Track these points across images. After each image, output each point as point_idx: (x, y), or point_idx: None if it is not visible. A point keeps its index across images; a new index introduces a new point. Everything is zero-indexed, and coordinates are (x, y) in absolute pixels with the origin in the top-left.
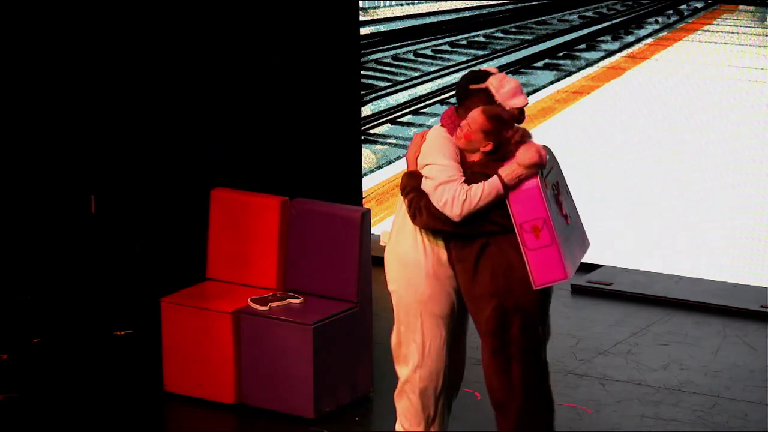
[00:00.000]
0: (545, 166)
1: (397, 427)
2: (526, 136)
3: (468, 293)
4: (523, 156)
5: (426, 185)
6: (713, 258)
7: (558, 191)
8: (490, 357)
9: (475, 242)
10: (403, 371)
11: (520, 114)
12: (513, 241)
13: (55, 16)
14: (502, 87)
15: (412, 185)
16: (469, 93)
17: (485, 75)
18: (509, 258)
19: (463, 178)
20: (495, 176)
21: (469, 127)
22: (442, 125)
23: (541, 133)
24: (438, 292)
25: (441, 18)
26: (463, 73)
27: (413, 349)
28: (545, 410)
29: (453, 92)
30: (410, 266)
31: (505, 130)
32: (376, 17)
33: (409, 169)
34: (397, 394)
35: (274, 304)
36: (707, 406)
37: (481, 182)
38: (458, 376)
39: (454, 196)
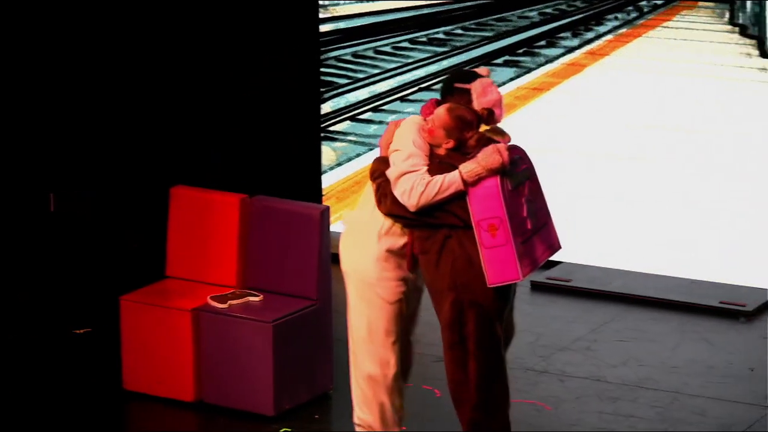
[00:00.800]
0: (508, 168)
1: (354, 417)
2: (482, 141)
3: (430, 286)
4: (485, 159)
5: (389, 172)
6: (672, 254)
7: (525, 192)
8: (447, 350)
9: (438, 234)
10: (352, 357)
11: (488, 116)
12: (474, 237)
13: (17, 14)
14: (484, 95)
15: (380, 170)
16: (452, 90)
17: (473, 76)
18: (469, 253)
19: (426, 168)
20: (456, 171)
21: (433, 123)
22: (421, 114)
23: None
24: (386, 278)
25: (401, 15)
26: (426, 70)
27: (360, 333)
28: (500, 407)
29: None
30: (363, 248)
31: (466, 131)
32: (335, 14)
33: (381, 155)
34: (351, 383)
35: (233, 302)
36: (666, 402)
37: (442, 175)
38: (407, 367)
39: (412, 187)
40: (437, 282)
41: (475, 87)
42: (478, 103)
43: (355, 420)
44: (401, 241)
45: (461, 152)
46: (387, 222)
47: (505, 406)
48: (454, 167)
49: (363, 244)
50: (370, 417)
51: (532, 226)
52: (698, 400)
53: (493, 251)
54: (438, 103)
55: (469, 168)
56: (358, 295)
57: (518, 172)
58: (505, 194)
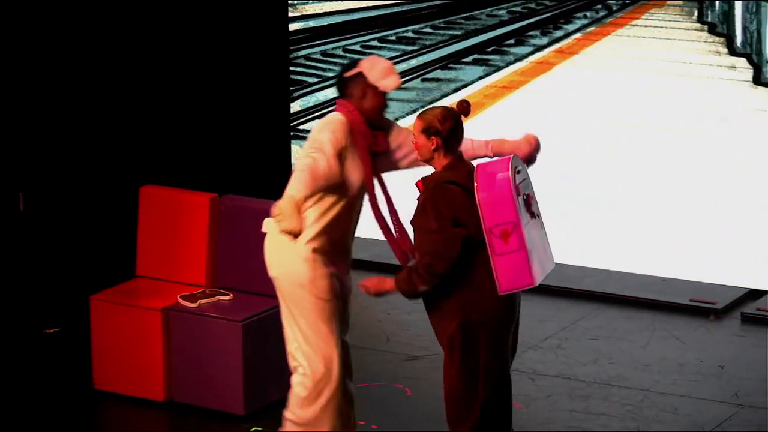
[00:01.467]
0: (518, 173)
1: (287, 413)
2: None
3: (433, 305)
4: None
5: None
6: (643, 252)
7: (529, 202)
8: (454, 369)
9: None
10: (295, 360)
11: (465, 107)
12: (483, 258)
13: None
14: (373, 67)
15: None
16: (346, 82)
17: (356, 61)
18: (477, 274)
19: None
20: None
21: (414, 137)
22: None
23: (471, 129)
24: (318, 276)
25: (370, 14)
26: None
27: (300, 336)
28: (503, 427)
29: None
30: (289, 252)
31: (441, 123)
32: (305, 13)
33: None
34: (293, 383)
35: (203, 301)
36: (637, 399)
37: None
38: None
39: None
40: (443, 302)
41: (364, 65)
42: (372, 77)
43: (290, 417)
44: (325, 238)
45: (453, 153)
46: (309, 221)
47: (508, 425)
48: (456, 183)
49: (289, 247)
50: (311, 416)
51: (535, 236)
52: (669, 397)
53: (505, 258)
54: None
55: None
56: (292, 299)
57: (524, 181)
58: (518, 200)
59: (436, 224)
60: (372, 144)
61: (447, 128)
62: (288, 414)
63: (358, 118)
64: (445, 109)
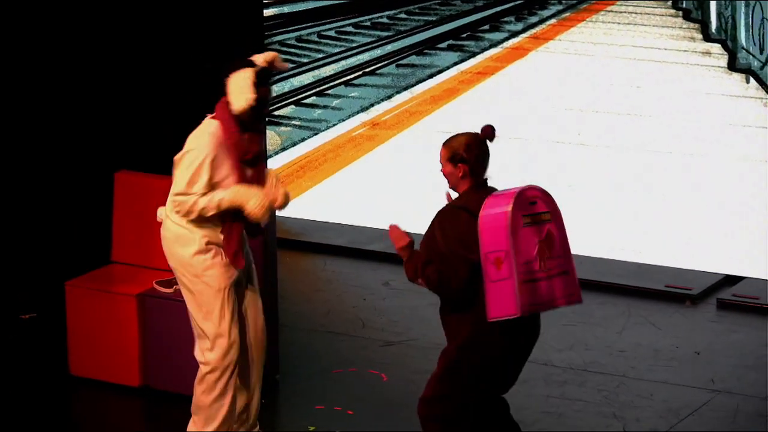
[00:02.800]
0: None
1: (194, 402)
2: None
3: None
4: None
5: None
6: (618, 238)
7: (541, 235)
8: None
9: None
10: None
11: (490, 132)
12: None
13: None
14: (235, 81)
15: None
16: (226, 85)
17: (242, 62)
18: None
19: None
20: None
21: (442, 167)
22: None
23: (445, 115)
24: (211, 266)
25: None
26: (370, 54)
27: (206, 325)
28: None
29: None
30: (183, 244)
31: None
32: None
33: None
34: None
35: (178, 287)
36: (612, 385)
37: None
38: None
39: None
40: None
41: (232, 78)
42: (230, 93)
43: (195, 403)
44: (218, 231)
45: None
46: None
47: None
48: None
49: (185, 239)
50: (209, 402)
51: (541, 269)
52: (645, 383)
53: (497, 285)
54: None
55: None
56: (190, 288)
57: (536, 212)
58: (514, 229)
59: (448, 248)
60: (243, 153)
61: (473, 156)
62: (194, 398)
63: (230, 127)
64: (471, 136)
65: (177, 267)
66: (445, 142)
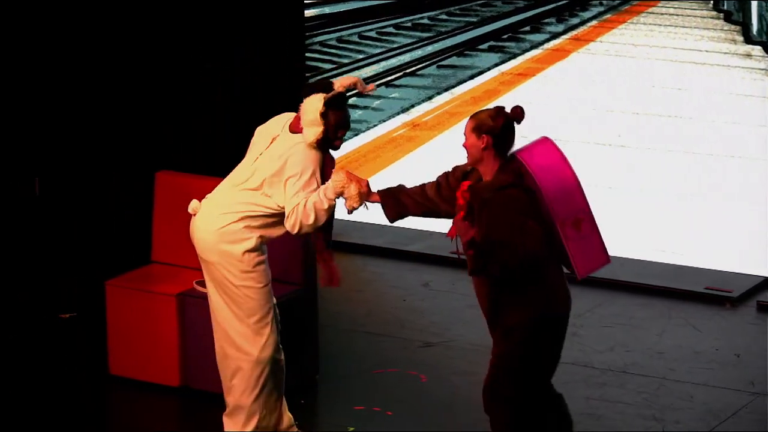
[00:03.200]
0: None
1: (230, 399)
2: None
3: (498, 293)
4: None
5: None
6: (658, 240)
7: None
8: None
9: None
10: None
11: (519, 113)
12: (552, 255)
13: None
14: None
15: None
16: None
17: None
18: (549, 272)
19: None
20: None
21: (465, 140)
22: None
23: None
24: (262, 261)
25: (386, 0)
26: (411, 55)
27: (250, 320)
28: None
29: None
30: (234, 240)
31: (491, 120)
32: None
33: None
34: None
35: None
36: (652, 387)
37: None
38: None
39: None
40: (513, 295)
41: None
42: (340, 83)
43: (233, 402)
44: (275, 229)
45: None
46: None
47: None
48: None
49: (236, 236)
50: (251, 401)
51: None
52: (685, 385)
53: (579, 243)
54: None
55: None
56: (234, 283)
57: None
58: (581, 187)
59: (518, 224)
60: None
61: (499, 125)
62: (232, 401)
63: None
64: (499, 109)
65: (221, 261)
66: (473, 114)
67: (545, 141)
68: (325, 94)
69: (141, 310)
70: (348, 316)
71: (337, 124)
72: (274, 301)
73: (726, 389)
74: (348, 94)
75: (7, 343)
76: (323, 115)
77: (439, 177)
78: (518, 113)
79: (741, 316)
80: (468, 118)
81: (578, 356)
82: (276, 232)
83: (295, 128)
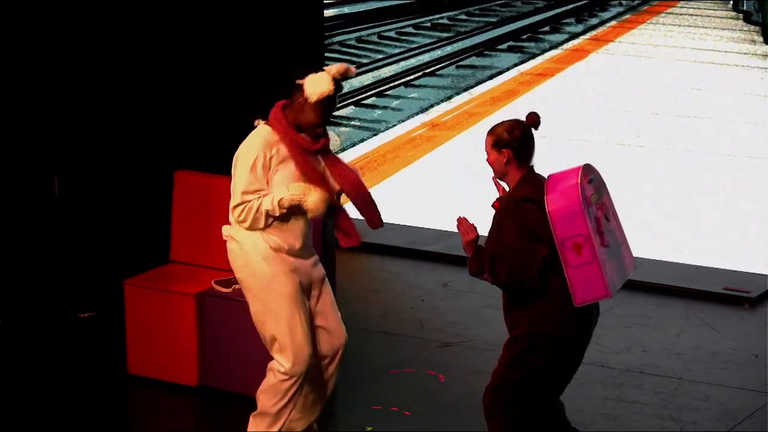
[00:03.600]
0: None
1: (258, 400)
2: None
3: (508, 305)
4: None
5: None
6: (676, 240)
7: (603, 211)
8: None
9: None
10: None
11: (535, 119)
12: (557, 273)
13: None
14: (313, 83)
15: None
16: (293, 87)
17: (310, 70)
18: (552, 289)
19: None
20: (282, 191)
21: (488, 156)
22: (268, 122)
23: (505, 116)
24: (279, 272)
25: (405, 0)
26: (430, 55)
27: (273, 331)
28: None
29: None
30: (249, 252)
31: (508, 133)
32: None
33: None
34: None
35: (237, 286)
36: (670, 388)
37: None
38: (327, 372)
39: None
40: (517, 308)
41: (308, 80)
42: (335, 70)
43: (258, 404)
44: (283, 237)
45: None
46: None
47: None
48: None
49: (250, 249)
50: (276, 408)
51: (610, 244)
52: (702, 386)
53: (579, 270)
54: (284, 106)
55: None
56: (260, 297)
57: (597, 190)
58: (588, 212)
59: (520, 242)
60: (307, 143)
61: (516, 137)
62: (258, 403)
63: (285, 129)
64: (514, 121)
65: (245, 279)
66: (489, 130)
67: (580, 167)
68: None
69: (159, 309)
70: (366, 316)
71: (334, 102)
72: (308, 312)
73: (743, 390)
74: (367, 94)
75: (27, 342)
76: (334, 82)
77: None
78: (534, 120)
79: (759, 316)
80: (486, 134)
81: (595, 356)
82: (281, 239)
83: (271, 118)
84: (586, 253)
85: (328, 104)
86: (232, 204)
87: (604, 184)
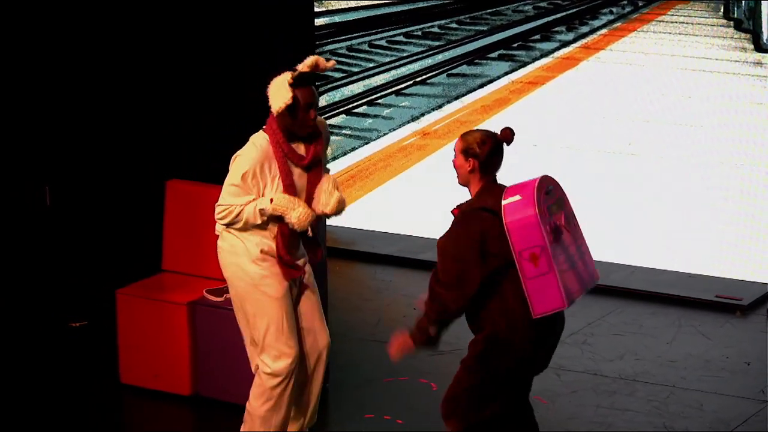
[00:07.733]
0: (550, 195)
1: (247, 405)
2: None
3: (468, 313)
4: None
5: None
6: (668, 248)
7: (562, 221)
8: (465, 375)
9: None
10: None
11: (508, 135)
12: (513, 282)
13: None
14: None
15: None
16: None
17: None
18: (507, 296)
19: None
20: (266, 201)
21: (455, 158)
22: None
23: (495, 124)
24: (268, 274)
25: (395, 9)
26: (421, 64)
27: (257, 331)
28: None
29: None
30: (238, 253)
31: (479, 146)
32: (330, 8)
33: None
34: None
35: (228, 295)
36: (662, 396)
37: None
38: (314, 372)
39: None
40: (476, 313)
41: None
42: (304, 64)
43: (248, 408)
44: (271, 239)
45: (488, 177)
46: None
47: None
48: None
49: (239, 249)
50: (264, 411)
51: (575, 254)
52: (695, 394)
53: (537, 281)
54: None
55: (278, 204)
56: (246, 298)
57: (556, 201)
58: (544, 222)
59: (461, 254)
60: (296, 160)
61: (485, 152)
62: (247, 405)
63: (276, 140)
64: (487, 134)
65: (232, 278)
66: (463, 134)
67: (537, 178)
68: (290, 72)
69: (152, 318)
70: (358, 325)
71: (306, 103)
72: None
73: (736, 397)
74: (358, 103)
75: (19, 351)
76: (292, 86)
77: None
78: (507, 135)
79: (751, 324)
80: (459, 136)
81: (588, 364)
82: (269, 241)
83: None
84: (542, 263)
85: (297, 108)
86: (218, 201)
87: (564, 194)
